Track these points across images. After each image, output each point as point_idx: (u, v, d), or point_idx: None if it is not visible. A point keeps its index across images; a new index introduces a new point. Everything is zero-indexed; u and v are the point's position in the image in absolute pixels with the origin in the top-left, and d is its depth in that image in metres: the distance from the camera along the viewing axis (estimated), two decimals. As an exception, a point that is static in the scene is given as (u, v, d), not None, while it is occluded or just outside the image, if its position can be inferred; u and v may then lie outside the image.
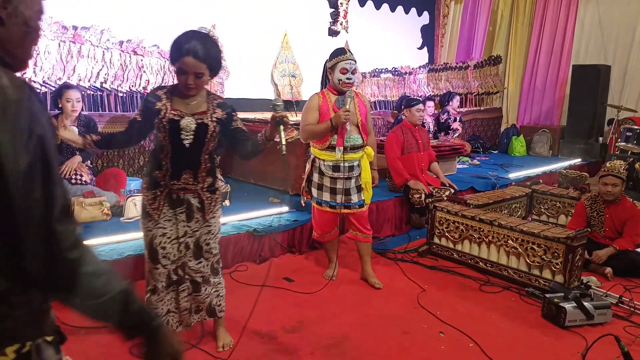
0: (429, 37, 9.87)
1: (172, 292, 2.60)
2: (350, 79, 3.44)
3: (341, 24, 7.79)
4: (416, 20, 9.59)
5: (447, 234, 4.37)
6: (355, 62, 3.49)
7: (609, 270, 4.05)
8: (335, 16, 7.75)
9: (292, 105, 6.91)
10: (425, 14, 9.70)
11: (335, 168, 3.52)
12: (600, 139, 8.87)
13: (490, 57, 9.90)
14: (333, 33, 7.76)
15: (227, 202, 4.56)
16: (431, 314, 3.30)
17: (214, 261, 2.66)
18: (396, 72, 8.66)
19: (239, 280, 3.69)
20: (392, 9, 8.96)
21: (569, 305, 3.19)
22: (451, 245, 4.33)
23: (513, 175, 6.83)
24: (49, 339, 1.07)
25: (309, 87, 7.01)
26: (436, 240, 4.45)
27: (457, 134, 7.70)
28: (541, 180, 5.93)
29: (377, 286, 3.70)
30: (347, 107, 3.37)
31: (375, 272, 3.89)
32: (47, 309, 1.08)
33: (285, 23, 7.12)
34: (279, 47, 7.13)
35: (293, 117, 6.13)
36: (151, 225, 2.50)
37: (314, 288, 3.58)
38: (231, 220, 4.13)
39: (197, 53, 2.28)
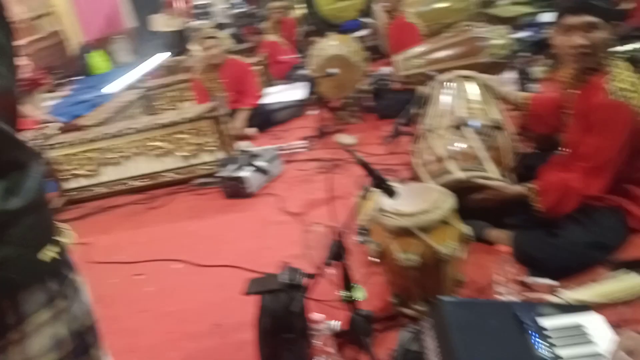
0: None
1: None
2: None
3: None
4: None
5: (80, 172, 3.50)
6: None
7: (252, 130, 4.03)
8: None
9: None
10: None
11: None
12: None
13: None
14: None
15: None
16: (120, 263, 2.60)
17: None
18: None
19: None
20: None
21: (246, 173, 2.99)
22: (94, 181, 3.51)
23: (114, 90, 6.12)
24: None
25: None
26: (73, 184, 3.53)
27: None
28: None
29: None
30: None
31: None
32: None
33: None
34: None
35: None
36: None
37: None
38: None
39: None
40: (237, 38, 6.98)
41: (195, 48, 5.17)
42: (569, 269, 1.78)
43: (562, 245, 1.83)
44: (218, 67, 4.14)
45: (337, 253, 1.57)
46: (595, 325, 1.28)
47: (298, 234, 2.44)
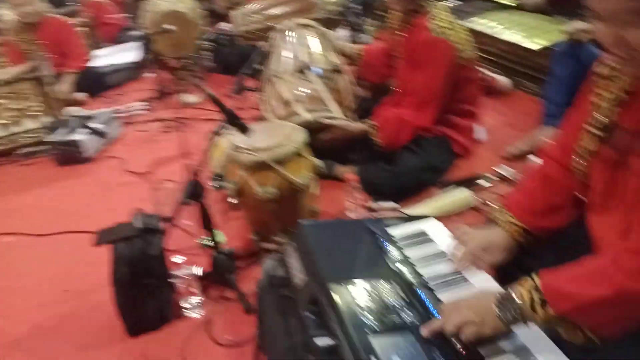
0: None
1: None
2: None
3: None
4: None
5: None
6: None
7: (81, 95, 3.69)
8: None
9: None
10: None
11: None
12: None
13: None
14: None
15: None
16: None
17: None
18: None
19: None
20: None
21: (80, 136, 2.74)
22: None
23: None
24: None
25: None
26: None
27: None
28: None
29: None
30: None
31: None
32: None
33: None
34: None
35: None
36: None
37: None
38: None
39: None
40: (56, 1, 6.26)
41: (3, 11, 4.53)
42: (407, 191, 1.99)
43: (399, 172, 2.02)
44: (35, 27, 3.68)
45: (195, 192, 1.54)
46: (435, 229, 1.44)
47: (146, 192, 2.33)
